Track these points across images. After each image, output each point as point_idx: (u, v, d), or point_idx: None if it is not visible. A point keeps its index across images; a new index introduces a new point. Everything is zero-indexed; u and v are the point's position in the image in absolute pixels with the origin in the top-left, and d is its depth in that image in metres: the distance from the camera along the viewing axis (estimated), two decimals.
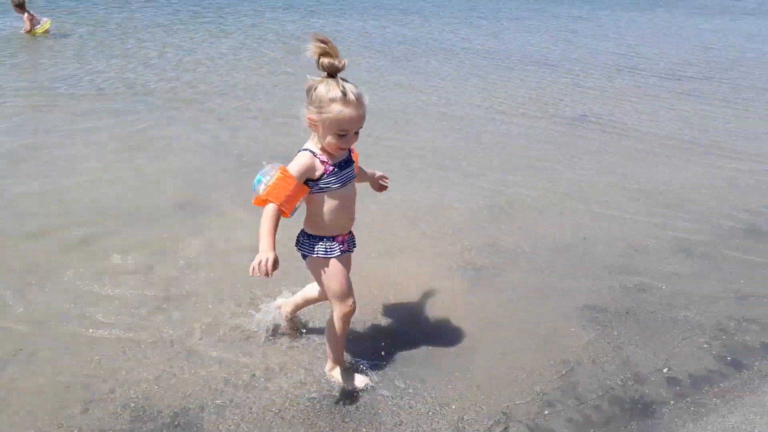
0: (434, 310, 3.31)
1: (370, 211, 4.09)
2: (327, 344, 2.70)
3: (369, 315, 3.21)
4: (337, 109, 2.20)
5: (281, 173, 2.24)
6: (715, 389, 2.81)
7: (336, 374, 2.71)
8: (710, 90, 9.05)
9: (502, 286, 3.60)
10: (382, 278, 3.53)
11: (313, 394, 2.63)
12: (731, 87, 9.32)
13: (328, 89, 2.19)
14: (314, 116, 2.24)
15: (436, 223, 4.34)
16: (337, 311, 2.53)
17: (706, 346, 3.13)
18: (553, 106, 7.72)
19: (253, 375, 2.73)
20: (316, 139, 2.34)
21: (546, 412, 2.63)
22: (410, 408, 2.60)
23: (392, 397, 2.65)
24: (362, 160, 2.58)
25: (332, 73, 2.21)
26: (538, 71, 9.68)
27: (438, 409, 2.60)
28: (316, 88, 2.22)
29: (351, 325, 2.65)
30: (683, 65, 10.79)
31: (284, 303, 3.01)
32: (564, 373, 2.88)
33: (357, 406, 2.59)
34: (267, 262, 2.15)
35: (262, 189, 2.27)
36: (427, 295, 3.44)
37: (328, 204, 2.39)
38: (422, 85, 8.36)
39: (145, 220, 4.14)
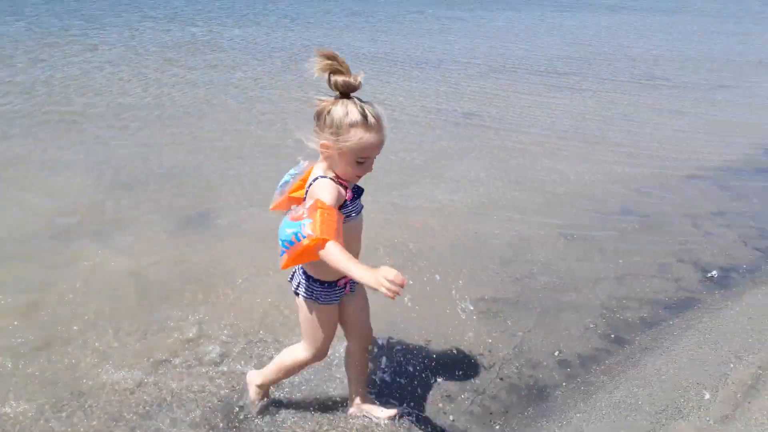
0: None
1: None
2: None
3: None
4: (357, 136, 1.94)
5: (321, 206, 1.91)
6: (602, 367, 2.96)
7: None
8: (582, 84, 9.63)
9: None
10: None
11: None
12: (600, 80, 9.98)
13: (345, 112, 1.93)
14: (329, 143, 1.97)
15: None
16: (305, 355, 2.36)
17: (592, 326, 3.30)
18: (436, 106, 7.91)
19: None
20: (326, 164, 2.06)
21: (445, 406, 2.65)
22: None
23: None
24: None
25: (347, 92, 1.96)
26: (420, 73, 9.88)
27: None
28: (329, 111, 1.95)
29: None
30: (555, 60, 11.39)
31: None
32: (461, 365, 2.93)
33: None
34: (393, 274, 1.75)
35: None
36: None
37: (346, 237, 2.05)
38: (305, 93, 8.26)
39: (16, 252, 3.79)
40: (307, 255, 1.91)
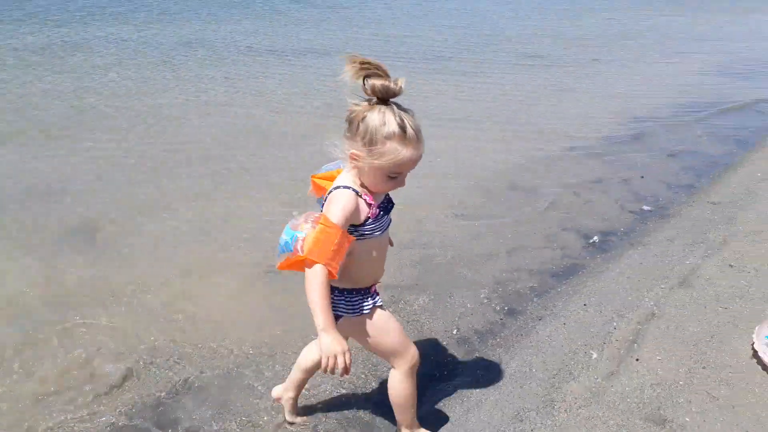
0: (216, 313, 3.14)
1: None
2: (396, 411, 2.21)
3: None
4: (393, 149, 1.75)
5: (323, 223, 1.76)
6: (498, 339, 3.04)
7: None
8: (464, 66, 9.91)
9: (289, 284, 3.55)
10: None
11: None
12: (482, 62, 10.31)
13: (382, 122, 1.73)
14: (361, 153, 1.78)
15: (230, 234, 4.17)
16: (402, 368, 2.09)
17: (486, 301, 3.39)
18: (327, 97, 7.86)
19: None
20: (354, 172, 1.87)
21: (342, 397, 2.63)
22: None
23: None
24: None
25: (386, 98, 1.76)
26: (309, 63, 9.76)
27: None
28: (364, 119, 1.75)
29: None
30: (437, 45, 11.63)
31: (284, 389, 2.40)
32: (363, 354, 2.91)
33: None
34: (344, 355, 1.71)
35: (298, 246, 1.81)
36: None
37: (367, 253, 1.95)
38: (189, 87, 7.90)
39: None
40: (300, 267, 1.82)
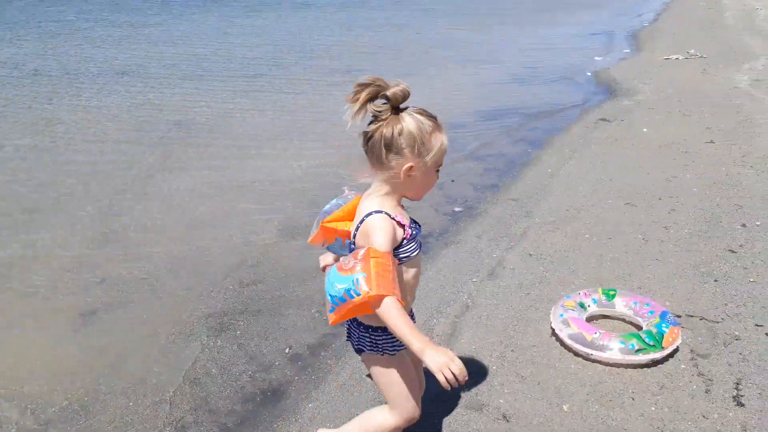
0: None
1: None
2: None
3: None
4: (437, 141, 1.80)
5: (374, 255, 1.68)
6: (329, 352, 3.10)
7: None
8: (278, 82, 9.91)
9: (121, 323, 3.34)
10: None
11: None
12: (295, 77, 10.40)
13: (417, 123, 1.76)
14: (415, 163, 1.77)
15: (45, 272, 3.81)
16: (394, 418, 1.99)
17: (317, 315, 3.44)
18: (144, 117, 7.45)
19: None
20: (382, 193, 1.84)
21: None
22: None
23: None
24: None
25: (403, 101, 1.78)
26: (111, 84, 9.16)
27: None
28: (401, 132, 1.75)
29: None
30: (248, 62, 11.49)
31: None
32: (194, 388, 2.81)
33: None
34: (455, 361, 1.60)
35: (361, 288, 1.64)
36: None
37: (406, 277, 1.89)
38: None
39: None
40: (360, 310, 1.73)
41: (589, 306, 3.14)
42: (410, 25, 17.84)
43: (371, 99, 1.76)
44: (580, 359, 2.85)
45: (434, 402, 2.52)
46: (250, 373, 2.94)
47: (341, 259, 1.83)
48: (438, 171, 1.89)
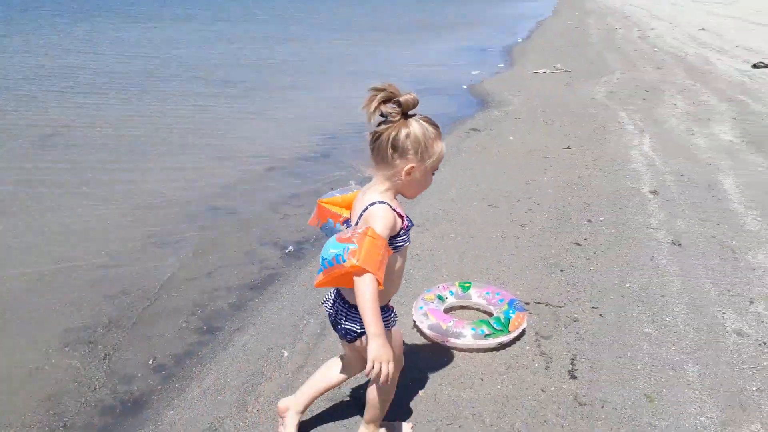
0: None
1: None
2: (370, 407, 2.25)
3: None
4: (439, 147, 1.97)
5: (371, 234, 1.81)
6: (195, 359, 3.10)
7: None
8: (153, 94, 9.67)
9: None
10: None
11: None
12: (173, 90, 10.17)
13: (423, 130, 1.93)
14: (416, 164, 1.94)
15: None
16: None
17: (185, 325, 3.42)
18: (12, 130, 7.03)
19: None
20: (383, 188, 1.99)
21: None
22: None
23: None
24: None
25: (413, 108, 1.93)
26: None
27: None
28: (409, 135, 1.91)
29: None
30: (119, 75, 11.11)
31: (294, 403, 2.38)
32: (51, 407, 2.71)
33: None
34: (389, 363, 1.82)
35: (346, 258, 1.78)
36: None
37: (397, 266, 2.06)
38: None
39: None
40: (344, 280, 1.85)
41: (447, 298, 3.36)
42: (295, 40, 17.96)
43: (384, 102, 1.91)
44: (438, 347, 3.04)
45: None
46: (110, 386, 2.88)
47: (343, 228, 2.08)
48: (433, 174, 2.05)
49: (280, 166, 6.40)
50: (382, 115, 1.94)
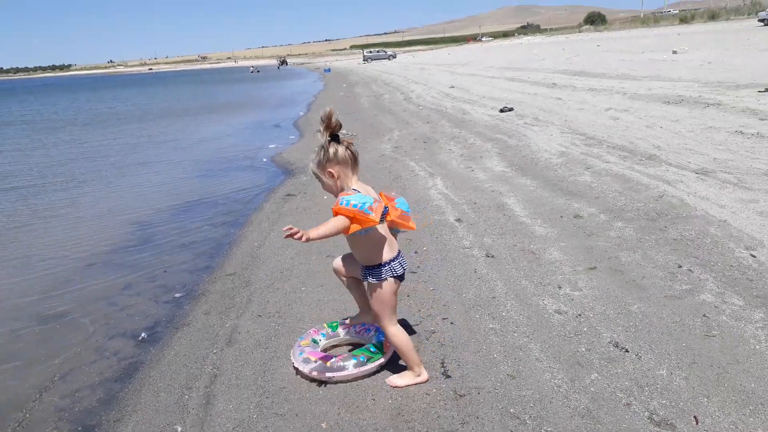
0: None
1: None
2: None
3: None
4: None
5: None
6: None
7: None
8: None
9: None
10: None
11: None
12: None
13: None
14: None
15: None
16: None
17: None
18: None
19: None
20: None
21: None
22: None
23: None
24: None
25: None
26: None
27: None
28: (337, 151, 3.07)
29: None
30: None
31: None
32: None
33: None
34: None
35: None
36: None
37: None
38: None
39: None
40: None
41: (320, 340, 3.61)
42: (85, 141, 16.86)
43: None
44: (327, 384, 3.26)
45: None
46: None
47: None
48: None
49: (98, 261, 6.06)
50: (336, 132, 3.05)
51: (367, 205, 2.81)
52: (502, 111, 13.84)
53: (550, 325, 3.71)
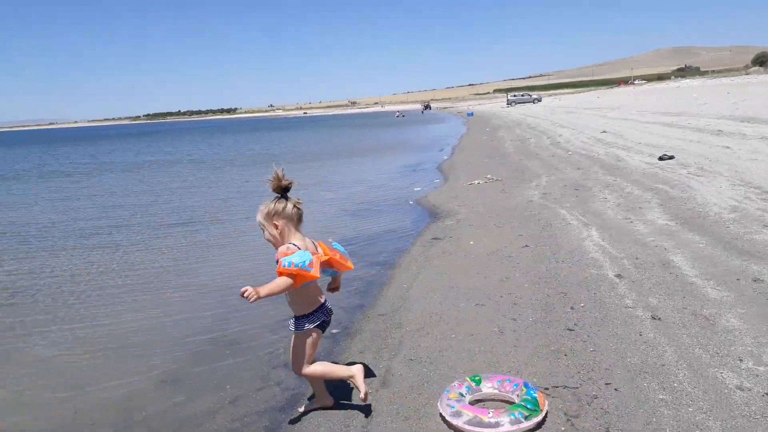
0: None
1: None
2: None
3: None
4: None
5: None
6: None
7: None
8: None
9: None
10: None
11: None
12: None
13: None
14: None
15: None
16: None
17: None
18: None
19: None
20: None
21: None
22: None
23: None
24: None
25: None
26: None
27: None
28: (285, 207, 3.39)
29: None
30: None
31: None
32: None
33: None
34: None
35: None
36: None
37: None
38: None
39: None
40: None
41: (465, 394, 3.54)
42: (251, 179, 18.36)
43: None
44: None
45: None
46: None
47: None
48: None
49: None
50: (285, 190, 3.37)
51: (307, 262, 3.15)
52: (661, 159, 13.00)
53: (731, 402, 3.34)
